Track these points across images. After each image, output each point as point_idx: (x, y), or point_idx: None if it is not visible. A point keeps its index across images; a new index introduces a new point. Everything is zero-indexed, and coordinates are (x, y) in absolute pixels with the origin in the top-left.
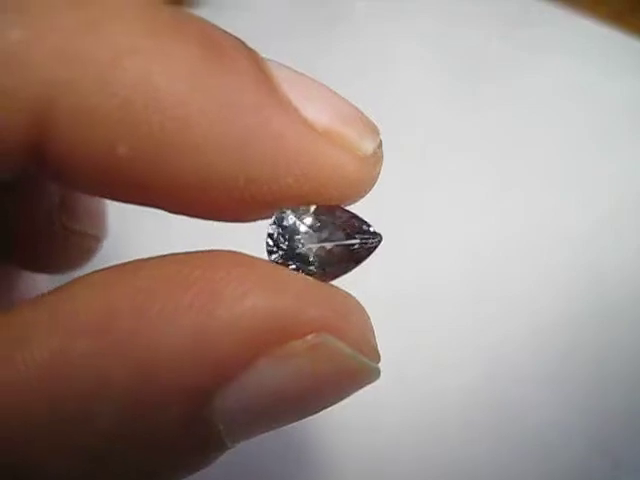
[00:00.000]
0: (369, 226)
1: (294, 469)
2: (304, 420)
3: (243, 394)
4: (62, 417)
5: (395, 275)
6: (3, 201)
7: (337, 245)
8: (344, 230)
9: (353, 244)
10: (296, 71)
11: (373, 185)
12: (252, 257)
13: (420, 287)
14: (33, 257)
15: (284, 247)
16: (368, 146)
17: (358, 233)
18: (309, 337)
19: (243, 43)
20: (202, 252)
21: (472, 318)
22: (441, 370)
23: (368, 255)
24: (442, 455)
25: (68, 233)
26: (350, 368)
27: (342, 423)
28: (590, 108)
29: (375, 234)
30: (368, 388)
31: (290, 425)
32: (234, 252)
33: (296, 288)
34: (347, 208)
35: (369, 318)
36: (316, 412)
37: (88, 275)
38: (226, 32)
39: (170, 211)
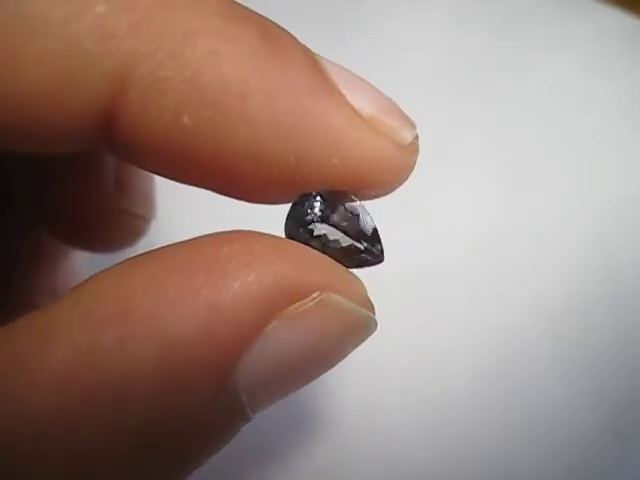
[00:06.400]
0: (380, 245)
1: (296, 448)
2: (310, 400)
3: (261, 361)
4: (99, 405)
5: (406, 255)
6: (61, 180)
7: (344, 247)
8: (356, 237)
9: (357, 252)
10: (340, 65)
11: (410, 173)
12: (255, 232)
13: (431, 269)
14: (86, 235)
15: (301, 233)
16: (407, 135)
17: (366, 249)
18: (314, 295)
19: (294, 37)
20: (208, 235)
21: (483, 300)
22: (451, 350)
23: (360, 267)
24: (451, 435)
25: (121, 213)
26: (353, 321)
27: (348, 402)
28: (590, 108)
29: (379, 256)
30: (379, 368)
31: (295, 402)
32: (238, 230)
33: (296, 254)
34: (372, 217)
35: (362, 283)
36: (325, 371)
37: (101, 272)
38: (279, 25)
39: (220, 192)
